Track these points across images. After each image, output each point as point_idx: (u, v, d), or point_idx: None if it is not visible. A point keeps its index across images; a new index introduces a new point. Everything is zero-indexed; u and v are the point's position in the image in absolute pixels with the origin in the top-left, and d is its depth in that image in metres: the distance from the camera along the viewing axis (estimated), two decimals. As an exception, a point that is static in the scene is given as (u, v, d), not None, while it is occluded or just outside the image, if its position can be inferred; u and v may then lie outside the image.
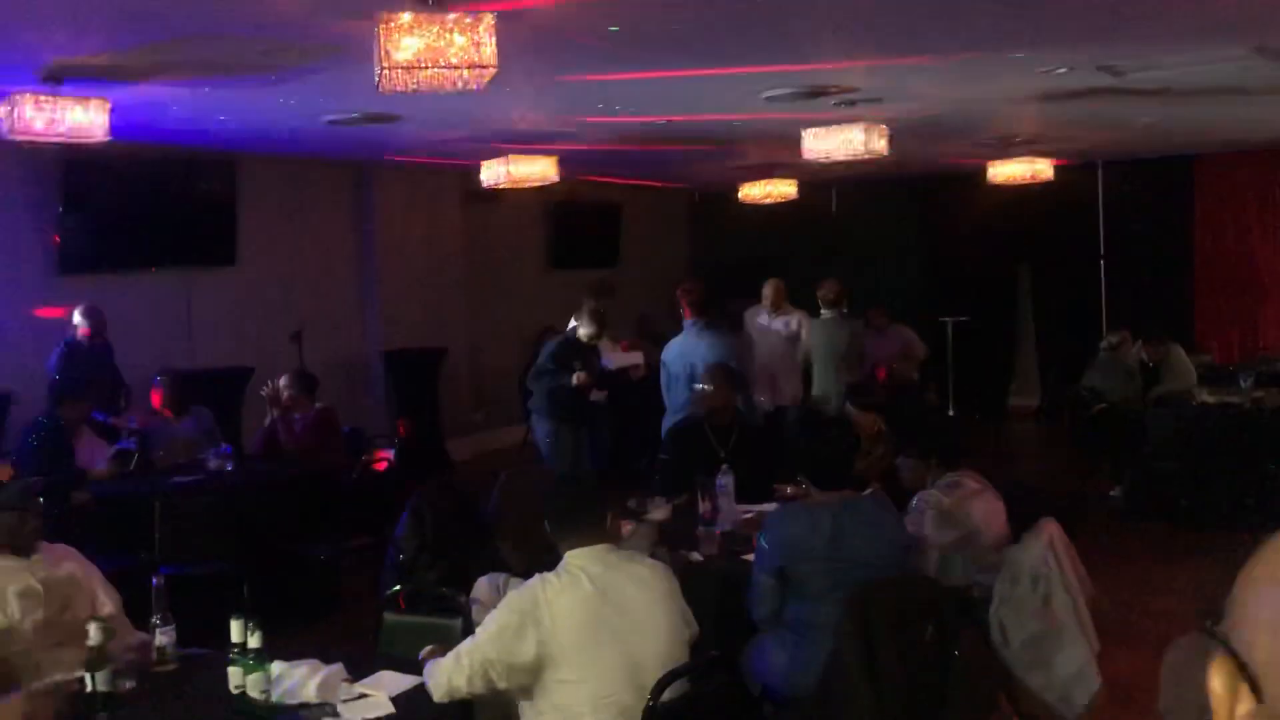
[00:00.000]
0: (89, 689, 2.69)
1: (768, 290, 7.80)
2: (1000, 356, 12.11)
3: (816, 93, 6.06)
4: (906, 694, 3.19)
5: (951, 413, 10.98)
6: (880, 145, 6.59)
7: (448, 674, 2.72)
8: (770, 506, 4.36)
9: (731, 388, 5.32)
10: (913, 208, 12.28)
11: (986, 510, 3.88)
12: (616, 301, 8.31)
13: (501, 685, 2.74)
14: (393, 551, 4.16)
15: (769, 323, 7.75)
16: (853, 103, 6.36)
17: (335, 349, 9.12)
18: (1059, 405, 10.32)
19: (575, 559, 2.85)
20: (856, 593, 3.23)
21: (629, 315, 10.57)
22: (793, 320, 7.76)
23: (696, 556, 4.04)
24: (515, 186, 7.72)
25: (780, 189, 9.53)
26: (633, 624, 2.79)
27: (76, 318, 6.71)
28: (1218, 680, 0.62)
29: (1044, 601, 3.63)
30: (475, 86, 3.92)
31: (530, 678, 2.74)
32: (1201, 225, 11.00)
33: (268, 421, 6.50)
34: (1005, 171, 9.13)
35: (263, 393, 6.53)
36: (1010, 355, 12.22)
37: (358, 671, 2.85)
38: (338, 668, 2.80)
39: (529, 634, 2.71)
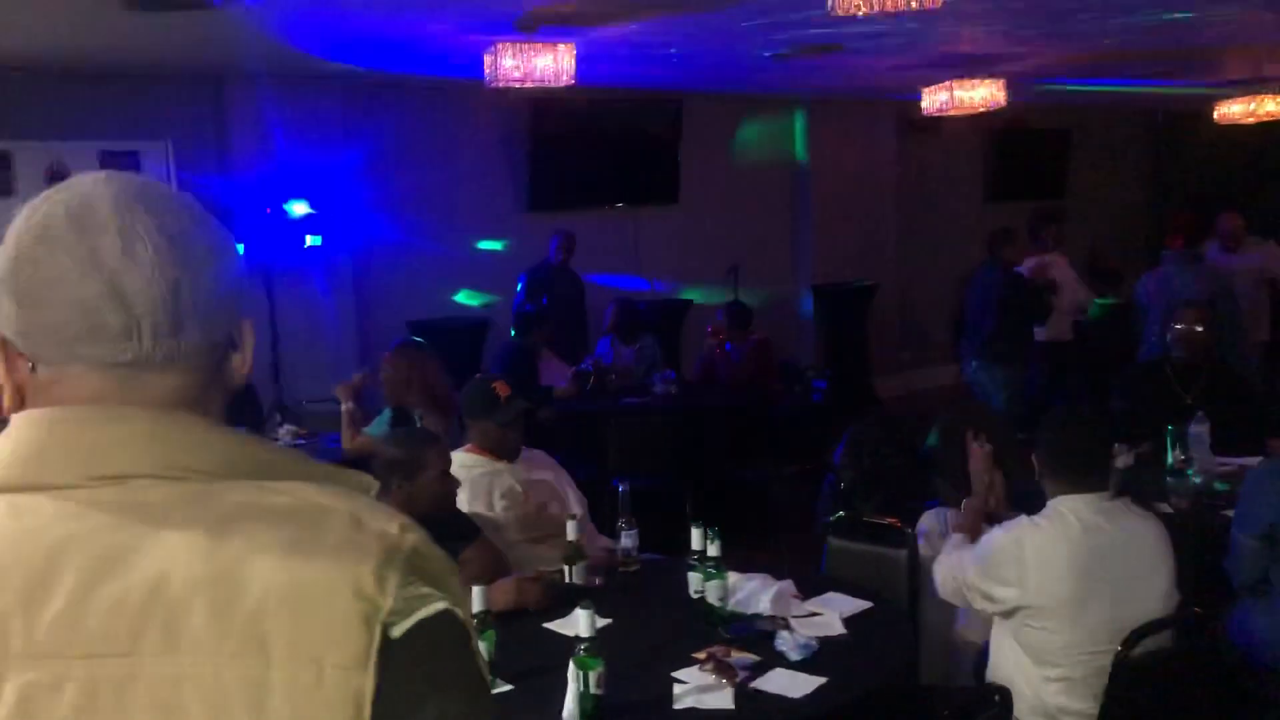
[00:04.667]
0: (568, 580, 2.95)
1: (1227, 226, 6.95)
2: None
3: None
4: None
5: None
6: None
7: (941, 578, 2.81)
8: (1254, 460, 3.87)
9: (1210, 327, 4.77)
10: None
11: None
12: (1063, 235, 7.74)
13: (977, 605, 2.73)
14: (832, 479, 4.19)
15: (1228, 262, 6.89)
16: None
17: (768, 283, 9.31)
18: None
19: (1065, 504, 2.66)
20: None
21: (1077, 250, 9.82)
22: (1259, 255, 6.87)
23: (1166, 509, 3.69)
24: (958, 114, 7.39)
25: (1267, 106, 8.34)
26: (1122, 582, 2.60)
27: (554, 241, 7.37)
28: None
29: None
30: (931, 4, 3.76)
31: (1000, 613, 2.67)
32: None
33: (706, 350, 6.79)
34: None
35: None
36: None
37: (806, 591, 2.89)
38: (789, 584, 2.86)
39: (1008, 578, 2.62)
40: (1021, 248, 6.91)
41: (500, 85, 5.29)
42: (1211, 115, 8.74)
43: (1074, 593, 2.56)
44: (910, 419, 4.96)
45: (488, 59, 5.19)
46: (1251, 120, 8.45)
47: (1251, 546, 3.19)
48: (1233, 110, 8.38)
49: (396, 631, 0.79)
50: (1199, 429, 4.06)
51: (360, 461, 4.00)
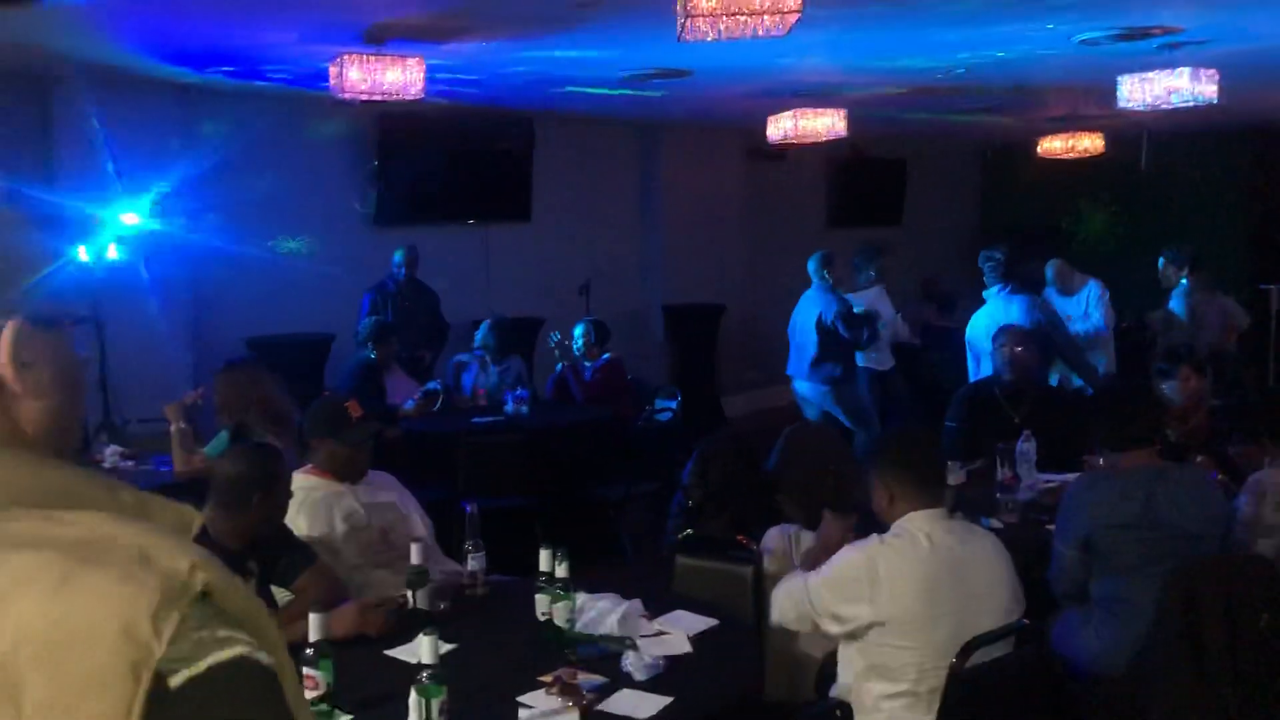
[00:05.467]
0: (412, 605, 2.88)
1: (1054, 272, 7.28)
2: (1333, 329, 10.85)
3: (1138, 35, 5.58)
4: (1234, 686, 2.92)
5: (1273, 388, 9.96)
6: (1209, 91, 5.98)
7: (781, 604, 2.78)
8: (1074, 476, 4.09)
9: (1032, 349, 5.03)
10: (1236, 163, 11.18)
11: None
12: (898, 262, 8.06)
13: (824, 631, 2.74)
14: (680, 497, 4.22)
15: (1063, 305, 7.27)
16: (1177, 45, 5.81)
17: (619, 302, 9.37)
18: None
19: (913, 522, 2.72)
20: (1180, 569, 2.98)
21: (913, 277, 10.23)
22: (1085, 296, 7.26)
23: (994, 524, 3.86)
24: (801, 142, 7.61)
25: (1084, 142, 8.89)
26: (970, 596, 2.67)
27: (396, 257, 7.22)
28: None
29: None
30: (778, 31, 3.86)
31: (845, 634, 2.71)
32: None
33: (559, 369, 6.78)
34: (1353, 121, 8.11)
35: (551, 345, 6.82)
36: (1347, 329, 10.93)
37: (654, 610, 2.90)
38: (637, 604, 2.86)
39: (861, 596, 2.65)
40: (846, 274, 7.14)
41: (347, 97, 5.18)
42: (1035, 149, 9.25)
43: (925, 608, 2.62)
44: (757, 437, 5.05)
45: (333, 70, 5.07)
46: (1071, 155, 8.98)
47: (1071, 557, 3.35)
48: (1054, 145, 8.89)
49: (176, 680, 0.70)
50: (1026, 447, 4.27)
51: (194, 484, 3.83)
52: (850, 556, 2.73)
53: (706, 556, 3.42)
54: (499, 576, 3.30)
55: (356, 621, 2.78)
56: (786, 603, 2.77)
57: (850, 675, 2.74)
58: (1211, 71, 5.98)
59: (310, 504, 3.24)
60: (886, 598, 2.61)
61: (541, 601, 2.82)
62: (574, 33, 5.32)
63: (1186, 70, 5.92)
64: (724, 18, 3.73)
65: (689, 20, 3.81)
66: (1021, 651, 2.82)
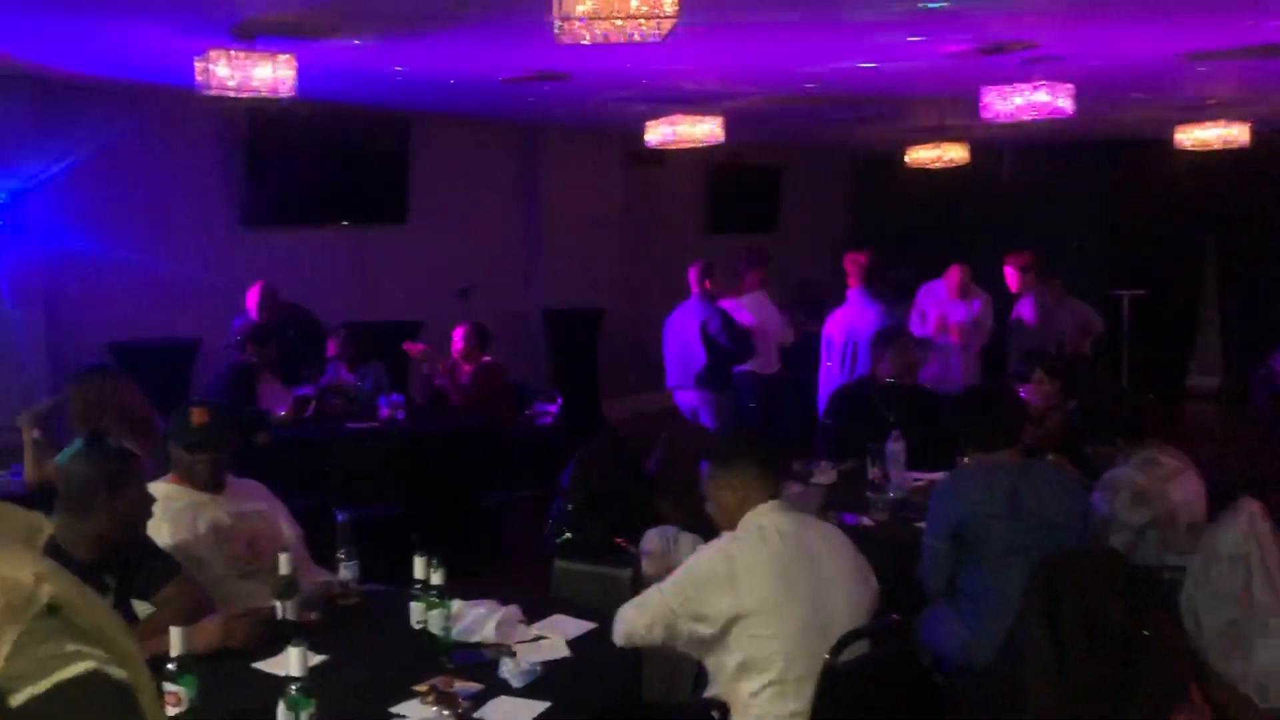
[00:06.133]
0: (280, 616, 2.80)
1: (954, 278, 7.44)
2: (1180, 334, 11.48)
3: (998, 49, 5.80)
4: (1092, 674, 3.05)
5: (1125, 390, 10.47)
6: (1065, 105, 6.26)
7: (630, 620, 2.73)
8: (942, 475, 4.23)
9: (916, 353, 5.19)
10: (1092, 174, 11.72)
11: (1186, 491, 3.67)
12: (774, 268, 8.19)
13: (684, 635, 2.72)
14: (560, 502, 4.21)
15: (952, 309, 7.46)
16: (1035, 60, 6.06)
17: (498, 306, 9.31)
18: (1245, 386, 9.73)
19: (759, 516, 2.80)
20: (1041, 562, 3.10)
21: (788, 282, 10.43)
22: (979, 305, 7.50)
23: (866, 521, 3.96)
24: (679, 148, 7.68)
25: (951, 153, 9.19)
26: (823, 579, 2.75)
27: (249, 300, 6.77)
28: None
29: (1243, 586, 3.41)
30: (655, 36, 3.88)
31: (714, 633, 2.71)
32: None
33: (432, 373, 6.70)
34: (1196, 136, 8.57)
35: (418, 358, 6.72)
36: (1190, 333, 11.58)
37: (532, 615, 2.88)
38: (514, 609, 2.84)
39: (722, 591, 2.68)
40: (727, 282, 7.23)
41: (214, 94, 5.01)
42: (904, 158, 9.53)
43: (782, 595, 2.68)
44: (637, 441, 5.08)
45: (199, 66, 4.90)
46: (938, 165, 9.27)
47: (940, 549, 3.47)
48: (921, 155, 9.17)
49: (19, 698, 0.68)
50: (895, 447, 4.38)
51: (47, 496, 3.65)
52: (706, 554, 2.78)
53: (585, 560, 3.42)
54: (373, 585, 3.24)
55: (221, 634, 2.69)
56: (637, 616, 2.73)
57: (721, 679, 2.77)
58: (1068, 86, 6.25)
59: (172, 513, 3.12)
60: (746, 588, 2.67)
61: (416, 609, 2.77)
62: (450, 33, 5.26)
63: (1044, 84, 6.18)
64: (599, 22, 3.73)
65: (564, 23, 3.81)
66: (891, 646, 2.90)
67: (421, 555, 2.78)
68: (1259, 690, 3.38)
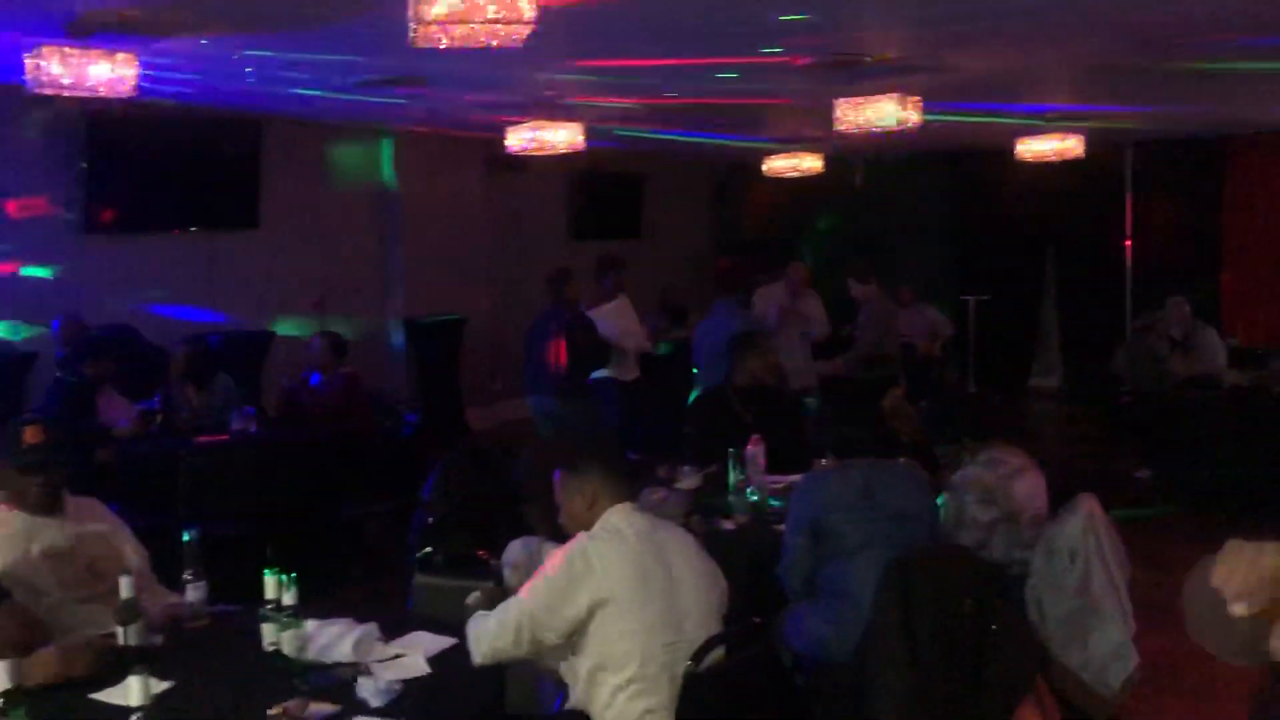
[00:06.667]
0: (121, 643, 2.66)
1: (795, 275, 7.72)
2: (1022, 336, 12.03)
3: (850, 61, 5.96)
4: (943, 668, 3.15)
5: (972, 391, 10.91)
6: (913, 117, 6.49)
7: (491, 635, 2.69)
8: (801, 476, 4.31)
9: (776, 356, 5.28)
10: (939, 183, 12.19)
11: (1029, 487, 3.83)
12: (638, 274, 8.22)
13: (548, 640, 2.72)
14: (421, 514, 4.14)
15: (791, 305, 7.72)
16: (886, 72, 6.26)
17: (357, 314, 9.10)
18: (1083, 386, 10.26)
19: (613, 517, 2.85)
20: (895, 560, 3.19)
21: (652, 288, 10.49)
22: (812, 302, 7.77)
23: (729, 525, 4.01)
24: (540, 154, 7.65)
25: (807, 162, 9.43)
26: (675, 577, 2.81)
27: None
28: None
29: (1081, 578, 3.57)
30: (511, 43, 3.85)
31: (578, 634, 2.72)
32: (1231, 208, 10.85)
33: (286, 383, 6.49)
34: (1034, 148, 9.01)
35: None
36: (1032, 335, 12.14)
37: (391, 632, 2.81)
38: (372, 627, 2.76)
39: (581, 586, 2.70)
40: (577, 288, 7.24)
41: (46, 92, 4.76)
42: (762, 167, 9.73)
43: (637, 590, 2.72)
44: (501, 450, 5.03)
45: (30, 63, 4.64)
46: (795, 174, 9.50)
47: (800, 545, 3.55)
48: (778, 164, 9.38)
49: None
50: (756, 449, 4.44)
51: None
52: (560, 556, 2.80)
53: (446, 574, 3.36)
54: (224, 606, 3.11)
55: (57, 665, 2.54)
56: (499, 629, 2.70)
57: (579, 686, 2.77)
58: (916, 98, 6.49)
59: (3, 539, 2.94)
60: (601, 579, 2.71)
61: (268, 630, 2.67)
62: (303, 34, 5.12)
63: (894, 96, 6.39)
64: (456, 27, 3.69)
65: (420, 27, 3.75)
66: (752, 647, 2.93)
67: (273, 574, 2.68)
68: (1097, 676, 3.56)
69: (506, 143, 7.48)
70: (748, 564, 3.70)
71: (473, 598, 2.93)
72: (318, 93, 6.93)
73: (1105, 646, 3.56)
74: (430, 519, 4.04)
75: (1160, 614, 4.49)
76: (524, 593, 2.76)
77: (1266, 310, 10.56)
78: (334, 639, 2.68)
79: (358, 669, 2.59)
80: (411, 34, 3.82)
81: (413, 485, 4.57)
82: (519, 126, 7.39)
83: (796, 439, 4.91)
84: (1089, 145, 9.04)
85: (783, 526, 3.72)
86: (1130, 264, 11.40)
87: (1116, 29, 5.33)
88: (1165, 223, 11.12)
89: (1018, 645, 3.33)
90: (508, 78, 6.44)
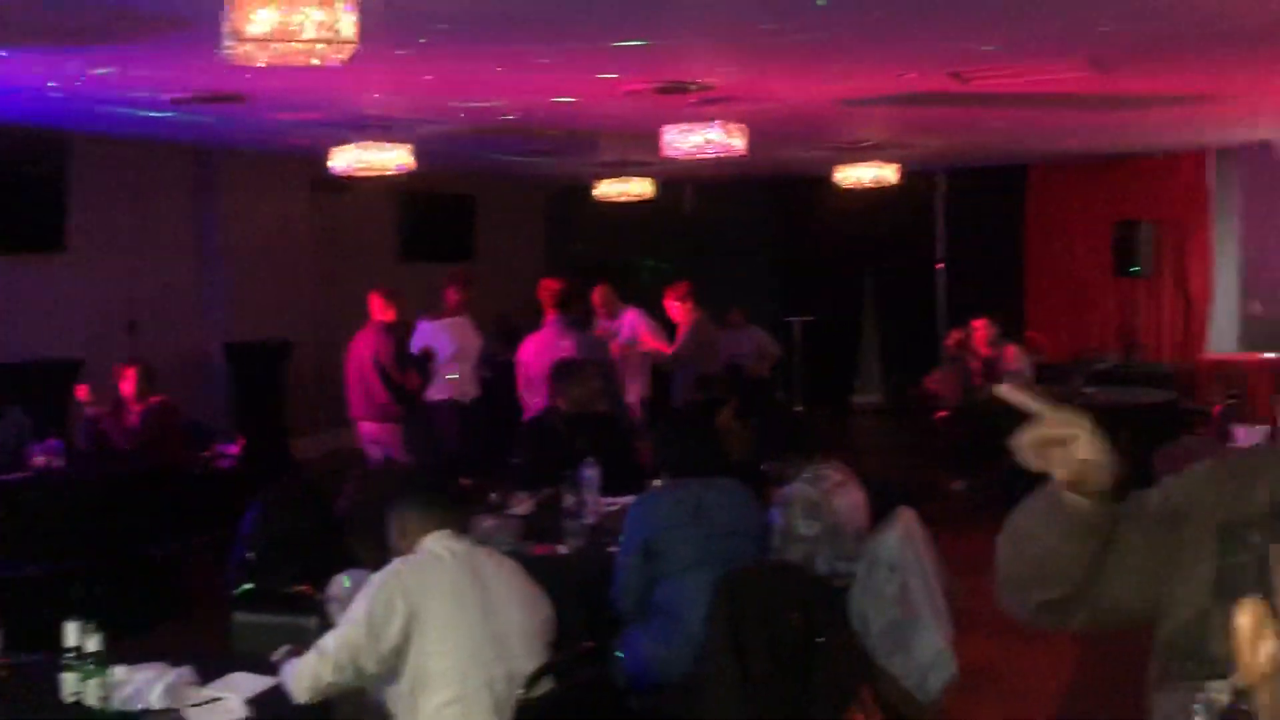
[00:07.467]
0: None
1: (599, 297, 7.89)
2: (845, 356, 12.48)
3: (676, 89, 6.07)
4: (773, 681, 3.22)
5: (799, 409, 11.23)
6: (738, 144, 6.66)
7: (313, 670, 2.63)
8: (634, 498, 4.34)
9: (601, 383, 5.30)
10: (765, 208, 12.54)
11: (850, 502, 3.96)
12: (473, 295, 8.13)
13: (370, 668, 2.68)
14: (240, 549, 3.97)
15: (606, 327, 7.84)
16: (711, 100, 6.41)
17: (173, 341, 8.68)
18: (902, 402, 10.71)
19: (429, 542, 2.86)
20: (725, 577, 3.25)
21: (486, 310, 10.40)
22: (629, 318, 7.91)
23: (563, 550, 3.99)
24: (367, 175, 7.49)
25: (636, 187, 9.55)
26: (495, 597, 2.82)
27: None
28: (1245, 619, 0.61)
29: (901, 589, 3.71)
30: (333, 62, 3.76)
31: (398, 656, 2.70)
32: (1032, 232, 11.55)
33: (96, 416, 6.13)
34: (852, 176, 9.38)
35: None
36: (854, 355, 12.62)
37: (209, 674, 2.68)
38: (185, 671, 2.63)
39: (396, 609, 2.69)
40: (409, 308, 7.14)
41: None
42: (592, 191, 9.80)
43: (452, 603, 2.74)
44: (328, 479, 4.88)
45: None
46: (625, 198, 9.61)
47: (633, 565, 3.59)
48: (608, 189, 9.47)
49: None
50: (589, 473, 4.45)
51: None
52: (374, 582, 2.80)
53: (267, 611, 3.23)
54: (30, 656, 2.90)
55: None
56: (320, 663, 2.65)
57: (401, 708, 2.74)
58: (740, 125, 6.66)
59: None
60: (417, 599, 2.71)
61: (69, 680, 2.51)
62: (110, 48, 4.87)
63: (719, 124, 6.55)
64: (275, 44, 3.58)
65: (237, 44, 3.62)
66: (586, 672, 2.93)
67: (74, 620, 2.52)
68: (919, 683, 3.69)
69: (330, 164, 7.29)
70: (582, 588, 3.70)
71: (280, 652, 2.84)
72: (128, 110, 6.61)
73: (926, 654, 3.70)
74: (250, 554, 3.88)
75: (976, 620, 4.72)
76: (342, 623, 2.73)
77: (1067, 328, 11.27)
78: (142, 686, 2.54)
79: (169, 715, 2.46)
80: (228, 51, 3.69)
81: (232, 519, 4.38)
82: (344, 147, 7.22)
83: (629, 461, 4.94)
84: (903, 173, 9.47)
85: (616, 549, 3.74)
86: (943, 285, 12.00)
87: (930, 60, 5.61)
88: (974, 246, 11.74)
89: (844, 656, 3.44)
90: (333, 96, 6.29)
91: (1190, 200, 10.75)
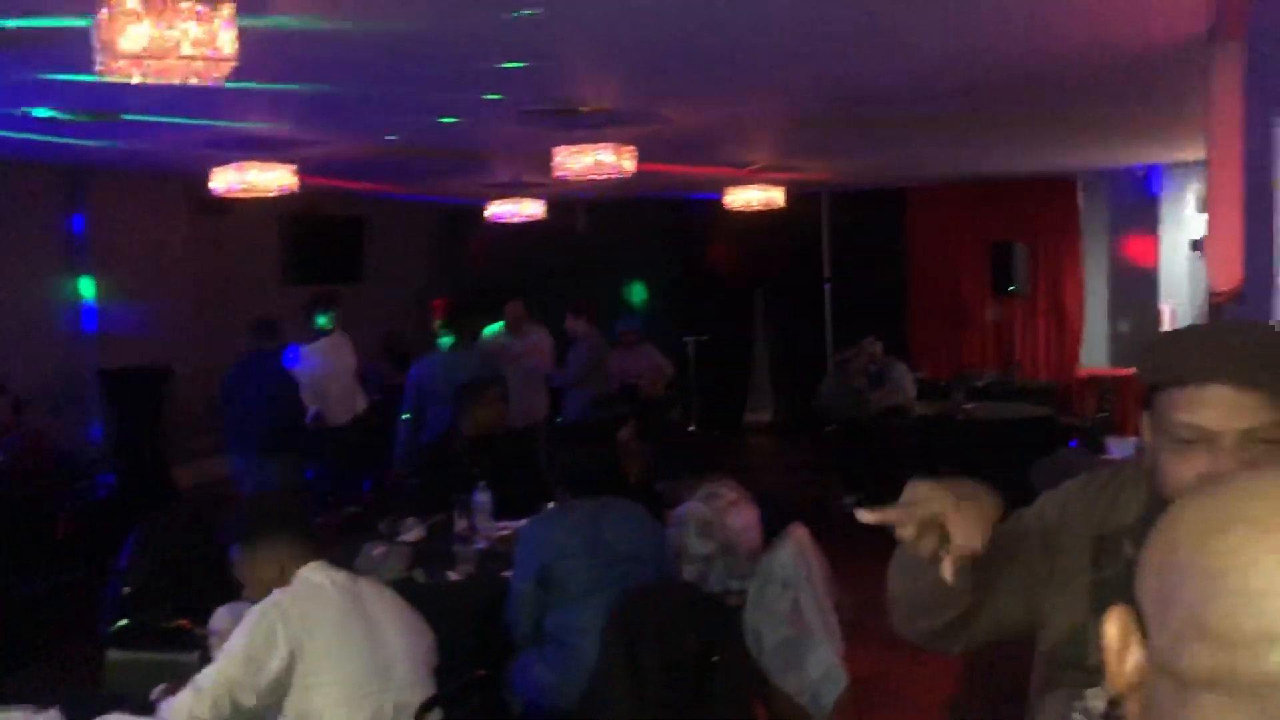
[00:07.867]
0: None
1: (511, 313, 7.89)
2: (738, 374, 12.63)
3: (569, 111, 6.08)
4: (668, 703, 3.21)
5: (693, 428, 11.31)
6: (628, 165, 6.70)
7: (188, 709, 2.54)
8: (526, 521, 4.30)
9: (504, 404, 5.25)
10: (658, 229, 12.64)
11: (743, 519, 3.99)
12: (361, 318, 7.99)
13: (249, 704, 2.59)
14: (115, 584, 3.81)
15: (511, 343, 7.81)
16: (602, 123, 6.43)
17: (42, 367, 8.31)
18: (792, 420, 10.88)
19: (307, 573, 2.80)
20: (620, 599, 3.23)
21: (374, 333, 10.23)
22: (535, 338, 7.91)
23: (454, 576, 3.93)
24: (250, 196, 7.31)
25: (528, 208, 9.52)
26: (377, 624, 2.78)
27: None
28: (1113, 628, 0.62)
29: (793, 605, 3.76)
30: (214, 79, 3.66)
31: (279, 691, 2.61)
32: (912, 253, 11.89)
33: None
34: (741, 198, 9.51)
35: None
36: (746, 373, 12.77)
37: (80, 716, 2.56)
38: (53, 713, 2.50)
39: (278, 641, 2.62)
40: (296, 331, 6.98)
41: None
42: (484, 212, 9.74)
43: (335, 634, 2.69)
44: (212, 508, 4.72)
45: None
46: (516, 219, 9.57)
47: (526, 592, 3.54)
48: (500, 209, 9.43)
49: None
50: (482, 498, 4.40)
51: None
52: (251, 615, 2.72)
53: (145, 647, 3.10)
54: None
55: None
56: (196, 702, 2.56)
57: None
58: (631, 148, 6.70)
59: None
60: (299, 631, 2.65)
61: (-73, 729, 2.37)
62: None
63: (610, 146, 6.58)
64: (151, 61, 3.47)
65: (110, 60, 3.50)
66: (480, 699, 2.88)
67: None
68: (812, 698, 3.74)
69: (211, 184, 7.09)
70: (474, 614, 3.65)
71: (157, 691, 2.73)
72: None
73: (818, 669, 3.75)
74: (127, 588, 3.72)
75: (868, 633, 4.80)
76: (219, 658, 2.65)
77: (946, 346, 11.61)
78: (9, 732, 2.41)
79: (37, 763, 2.34)
80: (100, 67, 3.56)
81: (108, 552, 4.20)
82: (225, 167, 7.03)
83: (530, 484, 4.89)
84: (789, 195, 9.65)
85: (510, 574, 3.69)
86: (830, 305, 12.25)
87: (810, 89, 5.73)
88: (858, 267, 12.02)
89: (738, 674, 3.45)
90: (212, 114, 6.12)
91: (1061, 222, 11.21)
